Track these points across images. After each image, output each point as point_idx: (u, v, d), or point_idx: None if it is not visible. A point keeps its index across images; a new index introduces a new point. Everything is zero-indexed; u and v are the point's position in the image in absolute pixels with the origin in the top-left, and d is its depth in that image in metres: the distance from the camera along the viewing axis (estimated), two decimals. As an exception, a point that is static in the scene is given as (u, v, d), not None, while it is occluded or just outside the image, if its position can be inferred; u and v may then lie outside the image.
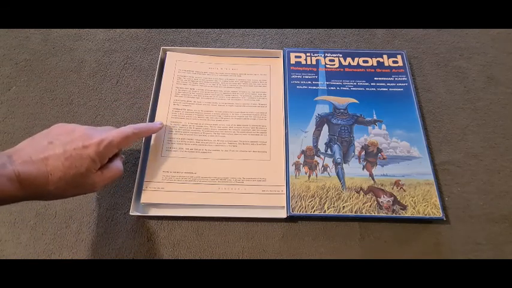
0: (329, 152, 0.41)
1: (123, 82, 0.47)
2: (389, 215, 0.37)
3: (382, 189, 0.38)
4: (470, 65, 0.48)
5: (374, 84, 0.45)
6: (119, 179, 0.37)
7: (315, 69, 0.46)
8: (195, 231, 0.38)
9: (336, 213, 0.37)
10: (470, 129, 0.44)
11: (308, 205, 0.37)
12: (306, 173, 0.39)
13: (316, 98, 0.44)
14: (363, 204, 0.37)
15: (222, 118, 0.43)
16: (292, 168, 0.39)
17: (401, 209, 0.37)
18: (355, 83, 0.45)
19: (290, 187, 0.38)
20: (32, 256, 0.36)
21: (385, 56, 0.47)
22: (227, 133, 0.42)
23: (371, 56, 0.47)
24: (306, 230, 0.38)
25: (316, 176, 0.39)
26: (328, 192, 0.38)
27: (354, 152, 0.41)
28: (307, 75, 0.46)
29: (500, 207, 0.39)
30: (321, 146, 0.41)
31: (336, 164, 0.40)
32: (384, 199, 0.38)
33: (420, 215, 0.37)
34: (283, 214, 0.37)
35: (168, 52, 0.47)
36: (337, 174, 0.39)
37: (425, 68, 0.48)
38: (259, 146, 0.41)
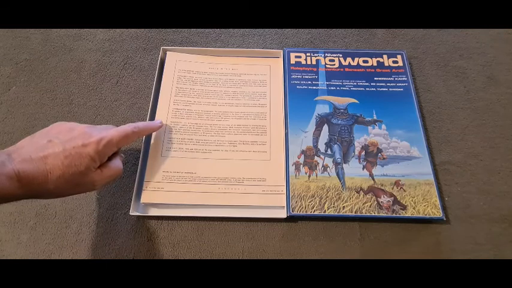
0: (329, 152, 0.41)
1: (123, 82, 0.47)
2: (389, 215, 0.37)
3: (382, 189, 0.38)
4: (470, 65, 0.48)
5: (374, 84, 0.45)
6: (118, 177, 0.37)
7: (315, 69, 0.46)
8: (195, 231, 0.38)
9: (336, 213, 0.37)
10: (470, 129, 0.44)
11: (308, 205, 0.37)
12: (306, 173, 0.39)
13: (316, 98, 0.44)
14: (363, 204, 0.37)
15: (222, 118, 0.43)
16: (292, 168, 0.39)
17: (401, 209, 0.37)
18: (355, 83, 0.45)
19: (290, 187, 0.38)
20: (32, 256, 0.36)
21: (385, 56, 0.47)
22: (227, 133, 0.42)
23: (371, 56, 0.47)
24: (306, 230, 0.38)
25: (316, 176, 0.39)
26: (328, 192, 0.38)
27: (354, 152, 0.41)
28: (307, 75, 0.46)
29: (500, 207, 0.39)
30: (321, 146, 0.41)
31: (336, 164, 0.40)
32: (384, 199, 0.38)
33: (420, 215, 0.37)
34: (283, 214, 0.37)
35: (168, 52, 0.47)
36: (337, 174, 0.39)
37: (425, 68, 0.48)
38: (259, 146, 0.41)
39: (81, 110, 0.44)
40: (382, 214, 0.37)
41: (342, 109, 0.43)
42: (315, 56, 0.47)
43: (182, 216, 0.38)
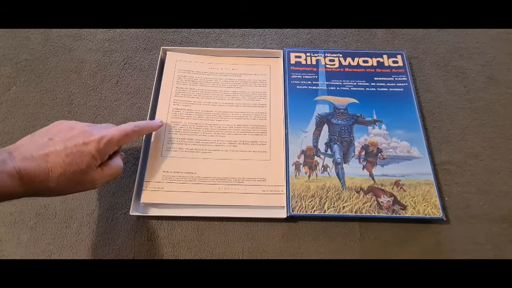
0: (329, 152, 0.41)
1: (123, 82, 0.47)
2: (389, 215, 0.37)
3: (382, 189, 0.38)
4: (470, 65, 0.49)
5: (374, 84, 0.45)
6: (119, 176, 0.37)
7: (315, 69, 0.46)
8: (195, 231, 0.38)
9: (336, 213, 0.37)
10: (470, 129, 0.44)
11: (308, 205, 0.37)
12: (306, 173, 0.39)
13: (316, 98, 0.44)
14: (363, 204, 0.37)
15: (222, 118, 0.43)
16: (292, 168, 0.39)
17: (401, 209, 0.37)
18: (355, 83, 0.45)
19: (290, 187, 0.38)
20: (32, 256, 0.36)
21: (385, 56, 0.47)
22: (227, 133, 0.42)
23: (371, 56, 0.47)
24: (306, 230, 0.38)
25: (316, 176, 0.39)
26: (328, 192, 0.38)
27: (354, 152, 0.41)
28: (307, 75, 0.46)
29: (500, 207, 0.39)
30: (321, 146, 0.41)
31: (336, 164, 0.40)
32: (384, 199, 0.38)
33: (420, 215, 0.37)
34: (283, 214, 0.37)
35: (168, 52, 0.47)
36: (337, 174, 0.39)
37: (425, 68, 0.48)
38: (259, 146, 0.41)
39: (81, 110, 0.45)
40: (382, 214, 0.37)
41: (342, 109, 0.43)
42: (315, 56, 0.47)
43: (182, 216, 0.38)
